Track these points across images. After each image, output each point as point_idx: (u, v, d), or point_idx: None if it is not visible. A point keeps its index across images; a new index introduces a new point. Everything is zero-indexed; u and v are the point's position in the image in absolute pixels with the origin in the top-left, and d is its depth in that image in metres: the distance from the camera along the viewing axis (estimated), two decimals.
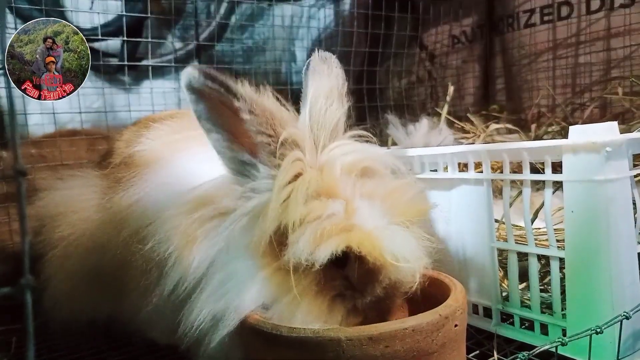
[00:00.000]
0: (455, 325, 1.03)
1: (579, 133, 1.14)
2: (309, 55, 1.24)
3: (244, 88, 1.02)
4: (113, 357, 1.49)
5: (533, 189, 1.32)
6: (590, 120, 2.75)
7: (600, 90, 2.76)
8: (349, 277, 1.06)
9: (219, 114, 1.05)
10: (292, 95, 1.19)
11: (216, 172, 1.14)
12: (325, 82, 1.19)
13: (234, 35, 3.66)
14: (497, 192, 1.69)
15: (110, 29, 2.64)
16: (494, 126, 2.27)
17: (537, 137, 2.51)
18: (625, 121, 2.47)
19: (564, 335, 1.21)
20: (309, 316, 1.02)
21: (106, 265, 1.31)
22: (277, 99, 1.11)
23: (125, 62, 2.56)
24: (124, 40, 2.56)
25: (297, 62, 3.97)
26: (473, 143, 2.32)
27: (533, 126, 2.52)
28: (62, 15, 2.62)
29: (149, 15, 2.60)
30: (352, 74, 3.44)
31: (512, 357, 0.88)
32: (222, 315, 1.05)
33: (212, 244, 1.09)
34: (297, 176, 1.06)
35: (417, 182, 1.18)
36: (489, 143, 2.12)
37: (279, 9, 3.81)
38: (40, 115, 2.65)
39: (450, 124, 2.64)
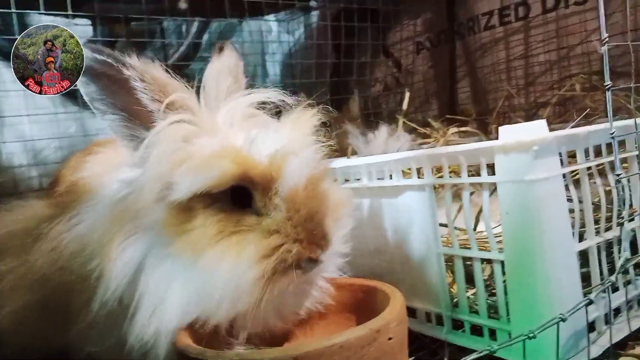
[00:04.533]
0: (390, 339, 0.99)
1: (508, 133, 1.12)
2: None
3: (132, 59, 1.05)
4: None
5: (477, 194, 1.30)
6: (554, 118, 2.75)
7: (559, 88, 2.77)
8: (257, 209, 1.05)
9: (111, 92, 1.06)
10: None
11: None
12: (216, 64, 1.24)
13: (207, 53, 3.65)
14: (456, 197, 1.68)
15: None
16: (452, 130, 2.26)
17: None
18: (589, 117, 2.47)
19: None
20: (223, 261, 1.00)
21: (50, 294, 1.27)
22: (167, 71, 1.13)
23: None
24: None
25: (270, 76, 3.97)
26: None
27: (493, 127, 2.51)
28: None
29: (119, 39, 2.58)
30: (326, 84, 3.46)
31: None
32: (160, 330, 1.03)
33: (130, 244, 1.09)
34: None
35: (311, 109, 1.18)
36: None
37: (250, 24, 3.80)
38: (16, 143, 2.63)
39: (413, 130, 2.62)
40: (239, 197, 1.05)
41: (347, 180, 1.62)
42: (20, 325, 1.36)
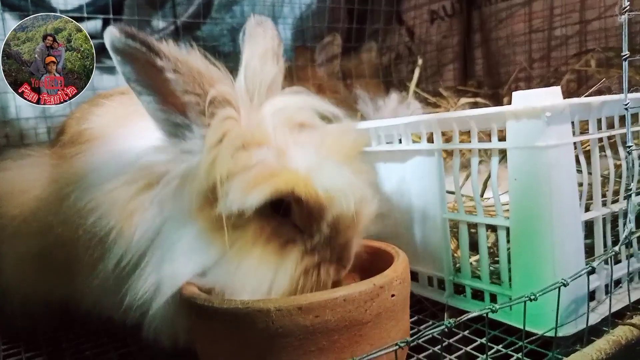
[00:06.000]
0: (392, 295, 1.01)
1: (521, 99, 1.12)
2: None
3: (167, 46, 1.00)
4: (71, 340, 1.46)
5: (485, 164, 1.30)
6: (568, 94, 2.72)
7: (575, 62, 2.73)
8: (296, 223, 1.06)
9: (147, 75, 1.01)
10: None
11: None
12: (260, 43, 1.18)
13: (218, 14, 3.59)
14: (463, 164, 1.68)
15: (91, 9, 2.58)
16: (463, 100, 2.24)
17: None
18: (604, 93, 2.43)
19: None
20: (260, 266, 1.01)
21: (53, 244, 1.27)
22: (207, 57, 1.08)
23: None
24: (107, 19, 2.50)
25: (282, 40, 3.92)
26: None
27: (505, 100, 2.49)
28: None
29: None
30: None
31: (438, 323, 0.86)
32: (164, 282, 1.04)
33: (153, 215, 1.08)
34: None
35: (354, 125, 1.18)
36: None
37: None
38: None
39: (424, 100, 2.60)
40: (277, 204, 1.03)
41: None
42: (24, 273, 1.38)
